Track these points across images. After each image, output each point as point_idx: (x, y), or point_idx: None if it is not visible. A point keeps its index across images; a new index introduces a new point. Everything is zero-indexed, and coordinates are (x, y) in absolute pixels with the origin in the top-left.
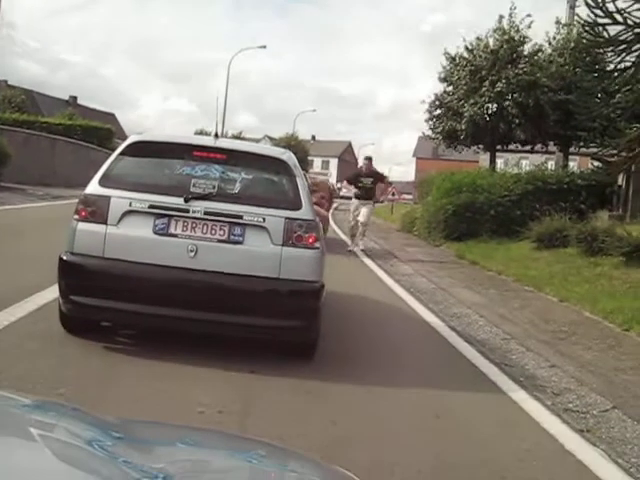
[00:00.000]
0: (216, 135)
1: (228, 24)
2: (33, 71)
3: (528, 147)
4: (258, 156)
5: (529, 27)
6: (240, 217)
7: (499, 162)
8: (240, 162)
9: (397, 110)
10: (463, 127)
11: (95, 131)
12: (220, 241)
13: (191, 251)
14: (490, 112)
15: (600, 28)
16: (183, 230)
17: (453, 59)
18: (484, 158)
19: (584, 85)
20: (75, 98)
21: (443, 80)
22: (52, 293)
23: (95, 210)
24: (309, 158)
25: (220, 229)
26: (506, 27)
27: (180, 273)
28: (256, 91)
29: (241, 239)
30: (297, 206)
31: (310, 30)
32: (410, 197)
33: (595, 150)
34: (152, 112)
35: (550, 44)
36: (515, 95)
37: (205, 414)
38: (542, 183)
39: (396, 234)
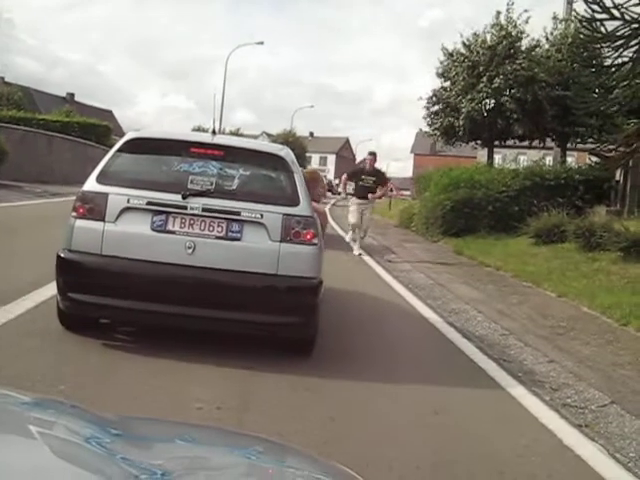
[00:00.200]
0: (214, 132)
1: (226, 21)
2: (30, 68)
3: (526, 143)
4: (256, 152)
5: (526, 22)
6: (238, 214)
7: (497, 158)
8: (238, 159)
9: (395, 106)
10: (461, 123)
11: (93, 128)
12: (218, 238)
13: (189, 248)
14: (488, 108)
15: (597, 23)
16: (181, 227)
17: (450, 55)
18: (482, 154)
19: (582, 80)
20: (72, 95)
21: (441, 76)
22: (50, 290)
23: (93, 207)
24: (307, 154)
25: (218, 226)
26: (503, 23)
27: (178, 270)
28: (254, 87)
29: (239, 235)
30: (295, 202)
31: (307, 26)
32: (408, 193)
33: (593, 145)
34: (150, 109)
35: (548, 39)
36: (513, 91)
37: (203, 410)
38: (540, 179)
39: (394, 230)
